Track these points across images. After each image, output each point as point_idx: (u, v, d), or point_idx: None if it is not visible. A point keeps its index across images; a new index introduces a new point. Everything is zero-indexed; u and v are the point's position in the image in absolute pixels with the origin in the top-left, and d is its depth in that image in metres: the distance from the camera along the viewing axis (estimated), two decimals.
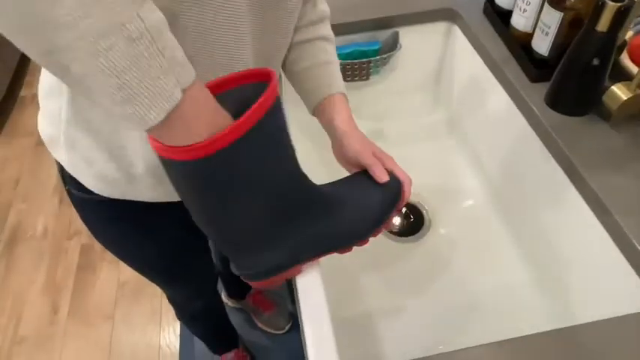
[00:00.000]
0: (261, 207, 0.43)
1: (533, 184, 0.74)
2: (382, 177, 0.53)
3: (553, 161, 0.67)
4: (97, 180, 0.57)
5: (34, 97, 2.29)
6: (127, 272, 1.60)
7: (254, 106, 0.35)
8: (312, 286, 0.53)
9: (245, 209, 0.42)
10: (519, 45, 0.77)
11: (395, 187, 0.55)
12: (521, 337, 0.48)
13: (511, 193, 0.82)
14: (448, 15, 0.92)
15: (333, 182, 0.55)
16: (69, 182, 0.61)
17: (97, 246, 1.69)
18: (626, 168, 0.61)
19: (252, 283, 0.50)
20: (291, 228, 0.47)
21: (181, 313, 1.11)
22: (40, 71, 0.55)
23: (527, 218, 0.78)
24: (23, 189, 1.91)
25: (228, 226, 0.43)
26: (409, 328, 0.72)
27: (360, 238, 0.53)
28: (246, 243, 0.46)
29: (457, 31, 0.92)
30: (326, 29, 0.62)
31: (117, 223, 0.66)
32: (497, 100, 0.80)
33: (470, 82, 0.90)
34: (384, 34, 0.92)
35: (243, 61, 0.48)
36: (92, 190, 0.59)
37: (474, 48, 0.86)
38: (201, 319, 1.16)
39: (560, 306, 0.71)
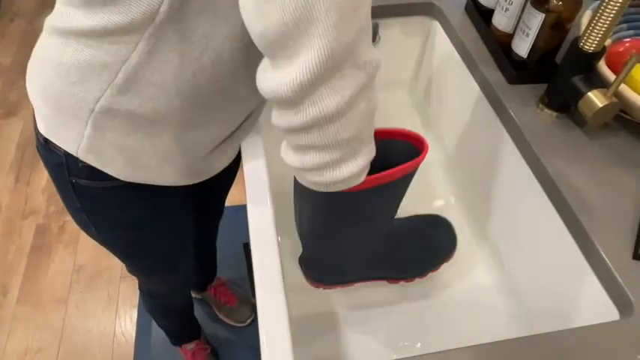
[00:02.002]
0: (366, 235, 0.56)
1: (505, 187, 0.73)
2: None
3: (525, 165, 0.66)
4: (126, 165, 0.55)
5: None
6: (84, 256, 1.54)
7: (414, 161, 0.48)
8: (270, 279, 0.50)
9: (356, 234, 0.55)
10: (499, 45, 0.75)
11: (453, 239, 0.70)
12: (483, 344, 0.47)
13: (482, 195, 0.81)
14: (429, 10, 0.90)
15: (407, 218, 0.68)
16: (77, 173, 0.57)
17: (54, 227, 1.62)
18: (598, 176, 0.60)
19: (312, 283, 0.65)
20: (375, 254, 0.62)
21: (154, 306, 1.07)
22: None
23: (497, 222, 0.77)
24: None
25: (336, 242, 0.56)
26: (375, 329, 0.70)
27: (421, 274, 0.68)
28: (338, 257, 0.61)
29: (437, 27, 0.90)
30: None
31: (135, 207, 0.64)
32: (474, 100, 0.79)
33: (448, 81, 0.88)
34: None
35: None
36: (117, 176, 0.56)
37: (454, 45, 0.85)
38: (174, 313, 1.13)
39: (523, 311, 0.70)
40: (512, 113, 0.68)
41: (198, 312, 1.37)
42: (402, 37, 0.93)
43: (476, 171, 0.82)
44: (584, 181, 0.60)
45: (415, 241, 0.66)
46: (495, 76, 0.74)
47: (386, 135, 0.50)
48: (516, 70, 0.71)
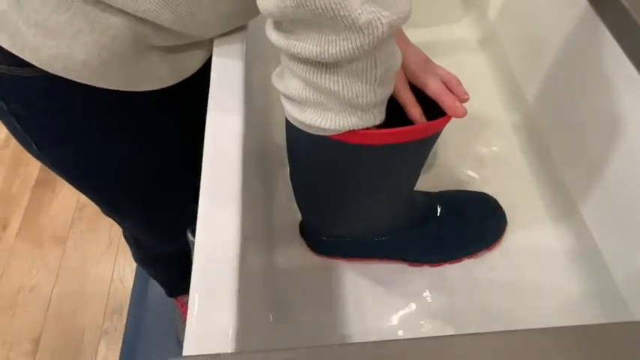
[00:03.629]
0: (377, 203, 0.46)
1: (587, 129, 0.53)
2: (457, 112, 0.40)
3: (632, 67, 0.45)
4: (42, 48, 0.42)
5: None
6: None
7: (437, 121, 0.38)
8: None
9: (359, 200, 0.45)
10: None
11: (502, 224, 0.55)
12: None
13: (556, 134, 0.61)
14: None
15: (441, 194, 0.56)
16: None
17: None
18: None
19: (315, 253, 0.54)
20: (390, 222, 0.50)
21: (140, 255, 0.93)
22: None
23: (575, 160, 0.57)
24: None
25: (339, 207, 0.47)
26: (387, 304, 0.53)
27: (452, 258, 0.53)
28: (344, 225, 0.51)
29: None
30: None
31: (78, 111, 0.50)
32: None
33: None
34: None
35: None
36: (32, 62, 0.43)
37: None
38: (167, 263, 0.98)
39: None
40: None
41: None
42: None
43: (551, 103, 0.62)
44: None
45: (450, 219, 0.54)
46: None
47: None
48: None
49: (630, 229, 0.48)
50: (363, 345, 0.27)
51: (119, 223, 0.80)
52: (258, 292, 0.45)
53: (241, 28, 0.49)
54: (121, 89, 0.47)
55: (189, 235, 0.57)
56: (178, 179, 0.66)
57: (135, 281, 1.28)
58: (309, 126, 0.36)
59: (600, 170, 0.51)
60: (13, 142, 1.65)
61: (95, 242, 1.35)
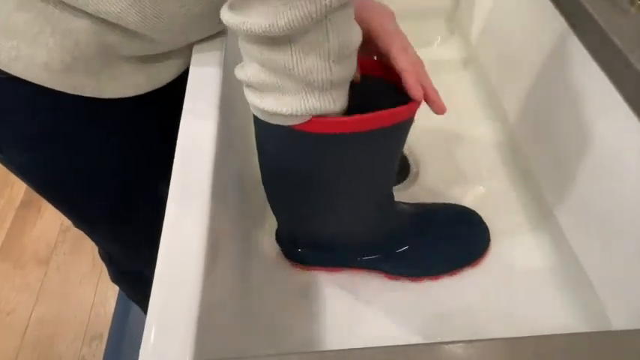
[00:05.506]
0: (352, 200, 0.44)
1: (564, 141, 0.52)
2: (417, 94, 0.38)
3: (606, 81, 0.45)
4: (10, 48, 0.41)
5: None
6: None
7: (407, 106, 0.37)
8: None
9: (337, 196, 0.43)
10: None
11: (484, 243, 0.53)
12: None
13: (535, 148, 0.61)
14: None
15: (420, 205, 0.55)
16: None
17: None
18: None
19: (290, 262, 0.52)
20: (372, 238, 0.49)
21: (114, 272, 0.90)
22: None
23: (555, 175, 0.56)
24: None
25: (314, 205, 0.45)
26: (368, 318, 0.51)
27: (432, 274, 0.51)
28: (319, 232, 0.49)
29: None
30: None
31: (48, 113, 0.48)
32: (541, 17, 0.59)
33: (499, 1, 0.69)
34: None
35: None
36: (8, 70, 0.42)
37: None
38: (139, 281, 0.95)
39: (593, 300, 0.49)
40: (594, 15, 0.47)
41: None
42: None
43: (529, 117, 0.62)
44: None
45: (433, 232, 0.52)
46: None
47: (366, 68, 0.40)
48: None
49: (608, 239, 0.47)
50: (322, 354, 0.25)
51: (89, 236, 0.77)
52: (230, 303, 0.43)
53: (220, 34, 0.49)
54: (87, 95, 0.46)
55: None
56: (149, 189, 0.62)
57: (116, 305, 1.24)
58: (269, 114, 0.35)
59: (578, 182, 0.51)
60: None
61: (78, 264, 1.32)
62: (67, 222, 1.42)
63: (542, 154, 0.59)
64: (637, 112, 0.42)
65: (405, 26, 0.42)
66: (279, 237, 0.53)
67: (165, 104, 0.51)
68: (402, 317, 0.49)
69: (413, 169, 0.64)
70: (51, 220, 1.41)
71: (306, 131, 0.35)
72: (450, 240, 0.52)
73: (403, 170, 0.64)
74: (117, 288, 1.27)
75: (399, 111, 0.36)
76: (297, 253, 0.52)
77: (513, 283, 0.51)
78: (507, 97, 0.67)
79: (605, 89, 0.45)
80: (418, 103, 0.38)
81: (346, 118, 0.35)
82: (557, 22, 0.53)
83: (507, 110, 0.67)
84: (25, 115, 0.47)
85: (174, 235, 0.35)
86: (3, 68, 0.42)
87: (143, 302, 1.01)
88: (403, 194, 0.61)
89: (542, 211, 0.57)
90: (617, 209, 0.45)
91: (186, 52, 0.49)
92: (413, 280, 0.51)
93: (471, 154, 0.65)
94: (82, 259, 1.33)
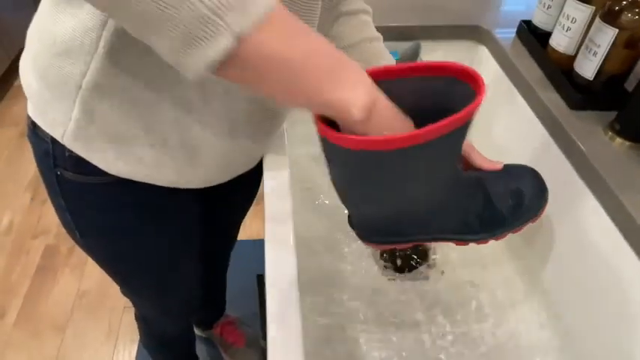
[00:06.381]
0: (423, 194, 0.43)
1: (567, 233, 0.63)
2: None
3: (594, 199, 0.56)
4: (117, 158, 0.48)
5: None
6: (90, 281, 1.45)
7: (465, 111, 0.35)
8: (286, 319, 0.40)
9: (409, 194, 0.43)
10: (559, 69, 0.67)
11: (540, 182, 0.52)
12: None
13: (537, 245, 0.70)
14: (476, 34, 0.83)
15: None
16: (62, 163, 0.51)
17: (63, 248, 1.55)
18: None
19: (365, 243, 0.49)
20: (438, 209, 0.47)
21: (149, 338, 0.97)
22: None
23: (554, 268, 0.66)
24: None
25: (390, 204, 0.44)
26: None
27: (496, 234, 0.50)
28: (390, 216, 0.47)
29: (484, 52, 0.83)
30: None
31: (126, 211, 0.56)
32: (528, 129, 0.70)
33: (496, 110, 0.80)
34: (403, 46, 0.83)
35: None
36: (107, 170, 0.50)
37: (504, 71, 0.77)
38: (170, 347, 1.02)
39: None
40: (577, 141, 0.59)
41: (202, 353, 1.26)
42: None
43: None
44: None
45: (492, 194, 0.50)
46: (555, 101, 0.65)
47: (421, 70, 0.38)
48: (581, 93, 0.62)
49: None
50: None
51: (133, 304, 0.86)
52: None
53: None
54: (173, 186, 0.53)
55: (262, 342, 0.62)
56: (189, 268, 0.74)
57: None
58: (213, 62, 0.29)
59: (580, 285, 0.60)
60: (16, 228, 1.67)
61: (94, 331, 1.36)
62: (83, 287, 1.47)
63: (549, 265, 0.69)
64: None
65: None
66: (352, 222, 0.51)
67: (206, 196, 0.60)
68: None
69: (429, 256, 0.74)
70: (67, 285, 1.45)
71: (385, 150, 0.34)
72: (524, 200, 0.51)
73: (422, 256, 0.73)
74: (133, 353, 1.32)
75: (471, 108, 0.36)
76: (369, 233, 0.49)
77: None
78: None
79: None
80: (484, 90, 0.37)
81: (419, 131, 0.34)
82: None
83: None
84: (112, 210, 0.55)
85: None
86: (123, 175, 0.50)
87: None
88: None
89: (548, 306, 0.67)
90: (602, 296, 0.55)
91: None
92: (479, 243, 0.51)
93: None
94: (99, 325, 1.36)
